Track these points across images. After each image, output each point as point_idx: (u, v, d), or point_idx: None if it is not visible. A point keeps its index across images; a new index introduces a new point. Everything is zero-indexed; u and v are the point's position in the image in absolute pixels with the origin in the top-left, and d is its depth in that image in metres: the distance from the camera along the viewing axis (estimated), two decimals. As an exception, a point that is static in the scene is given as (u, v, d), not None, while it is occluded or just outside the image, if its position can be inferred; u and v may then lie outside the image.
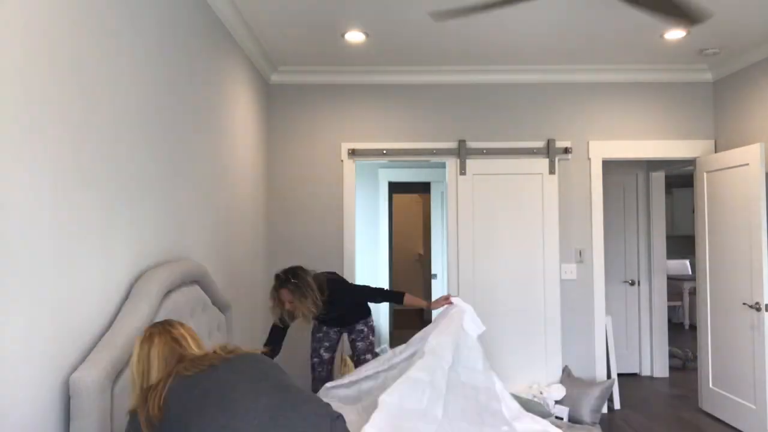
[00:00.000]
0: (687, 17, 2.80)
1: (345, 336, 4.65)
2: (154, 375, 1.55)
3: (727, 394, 4.24)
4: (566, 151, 4.58)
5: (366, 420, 2.35)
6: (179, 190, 2.57)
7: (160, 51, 2.36)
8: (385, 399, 2.40)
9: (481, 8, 2.76)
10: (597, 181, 4.62)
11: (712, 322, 4.44)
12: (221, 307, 2.90)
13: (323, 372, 3.62)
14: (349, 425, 1.88)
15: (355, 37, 3.82)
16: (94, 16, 1.81)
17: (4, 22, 1.38)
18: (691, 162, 4.83)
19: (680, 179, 9.30)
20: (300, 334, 4.43)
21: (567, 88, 4.65)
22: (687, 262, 9.15)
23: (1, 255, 1.36)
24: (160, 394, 1.46)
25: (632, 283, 5.80)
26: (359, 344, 3.57)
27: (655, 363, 5.70)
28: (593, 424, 4.06)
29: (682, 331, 8.27)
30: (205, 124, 2.96)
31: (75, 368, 1.65)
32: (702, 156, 4.57)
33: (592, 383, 4.29)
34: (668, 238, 9.46)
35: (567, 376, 4.46)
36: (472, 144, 4.60)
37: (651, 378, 5.66)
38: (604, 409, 4.53)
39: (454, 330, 2.84)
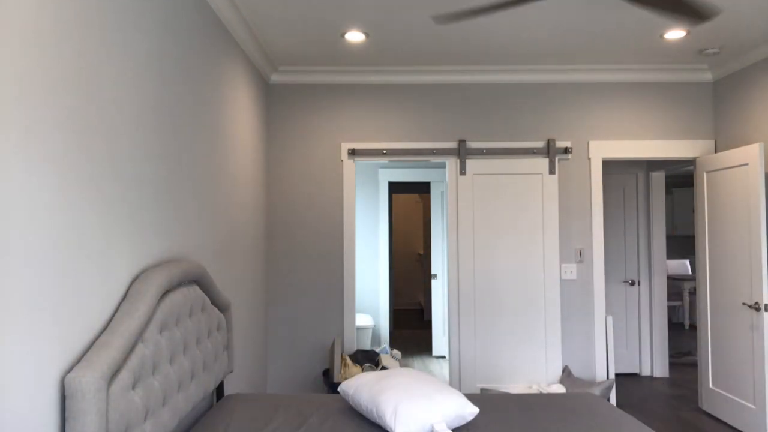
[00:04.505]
0: (695, 15, 2.75)
1: (342, 336, 4.67)
2: None
3: (727, 394, 4.24)
4: (566, 151, 4.58)
5: None
6: (179, 190, 2.57)
7: (160, 51, 2.36)
8: None
9: (483, 11, 2.74)
10: (597, 181, 4.62)
11: (712, 322, 4.44)
12: (221, 306, 2.90)
13: None
14: None
15: (355, 37, 3.82)
16: (93, 15, 1.81)
17: (4, 21, 1.38)
18: (691, 162, 4.83)
19: (680, 179, 9.30)
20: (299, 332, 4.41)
21: (567, 88, 4.65)
22: (687, 262, 9.14)
23: (0, 254, 1.37)
24: None
25: (632, 283, 5.79)
26: None
27: (655, 363, 5.71)
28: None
29: (682, 331, 8.26)
30: (205, 123, 2.96)
31: (71, 368, 1.65)
32: (702, 156, 4.57)
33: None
34: (668, 238, 9.50)
35: (567, 376, 4.46)
36: (472, 144, 4.60)
37: (651, 378, 5.66)
38: (604, 410, 4.53)
39: None
